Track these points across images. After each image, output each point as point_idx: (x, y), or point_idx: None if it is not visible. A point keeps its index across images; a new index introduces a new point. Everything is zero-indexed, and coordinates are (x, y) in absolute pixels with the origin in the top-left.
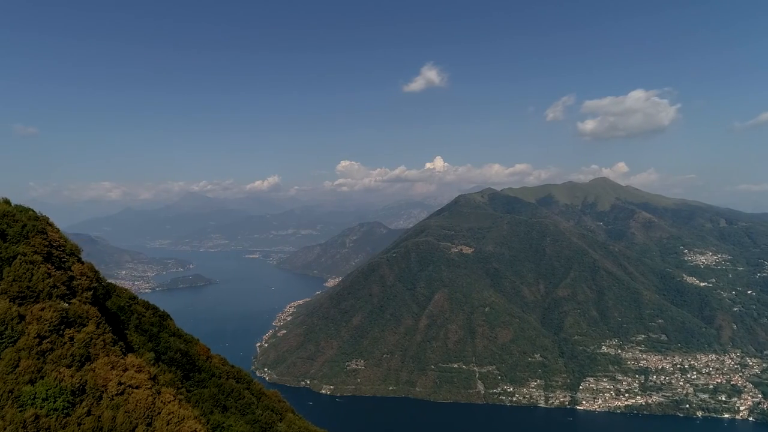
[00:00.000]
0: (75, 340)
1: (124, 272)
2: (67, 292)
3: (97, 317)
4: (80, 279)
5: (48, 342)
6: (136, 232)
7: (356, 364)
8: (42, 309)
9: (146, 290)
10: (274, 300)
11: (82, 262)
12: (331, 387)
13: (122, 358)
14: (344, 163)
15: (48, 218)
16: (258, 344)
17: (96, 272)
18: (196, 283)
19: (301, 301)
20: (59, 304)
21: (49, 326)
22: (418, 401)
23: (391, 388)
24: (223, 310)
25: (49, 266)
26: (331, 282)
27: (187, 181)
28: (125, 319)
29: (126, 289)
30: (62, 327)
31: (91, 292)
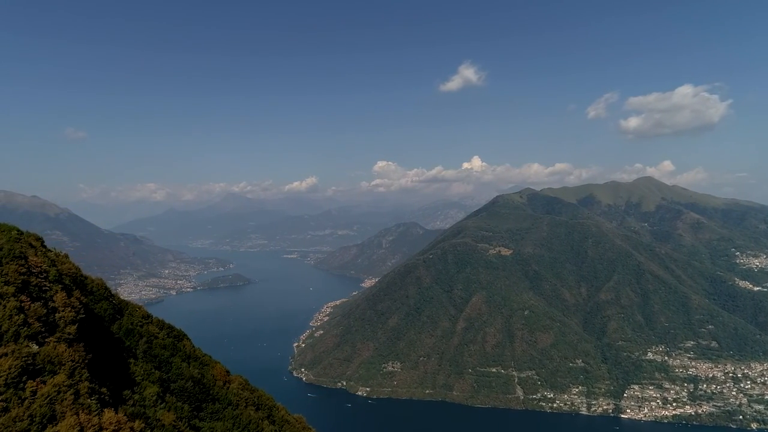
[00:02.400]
0: (37, 396)
1: (167, 271)
2: (43, 329)
3: (74, 362)
4: (63, 311)
5: (1, 401)
6: (179, 232)
7: (393, 367)
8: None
9: (188, 289)
10: (311, 300)
11: (80, 285)
12: (368, 389)
13: (98, 414)
14: (381, 164)
15: (37, 236)
16: (295, 344)
17: (107, 289)
18: (235, 283)
19: (338, 302)
20: (26, 347)
21: (5, 379)
22: (455, 405)
23: (427, 391)
24: (262, 309)
25: (23, 298)
26: (368, 282)
27: (228, 183)
28: (132, 344)
29: (140, 307)
30: (24, 379)
31: (76, 326)
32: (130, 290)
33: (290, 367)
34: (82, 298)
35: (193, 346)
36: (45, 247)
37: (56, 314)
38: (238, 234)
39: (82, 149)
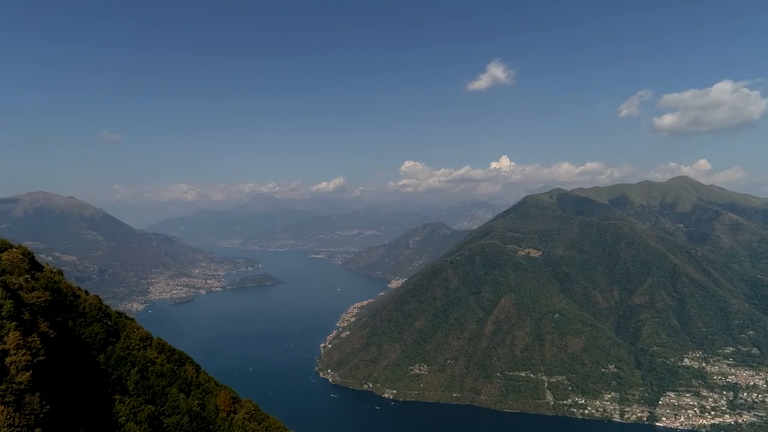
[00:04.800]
0: None
1: (197, 270)
2: None
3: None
4: (16, 354)
5: None
6: (209, 232)
7: (419, 369)
8: None
9: (217, 288)
10: (338, 300)
11: (67, 309)
12: (394, 391)
13: None
14: (408, 164)
15: (26, 251)
16: (322, 345)
17: (100, 310)
18: (264, 283)
19: (364, 302)
20: None
21: None
22: (483, 410)
23: (455, 394)
24: (289, 309)
25: None
26: (395, 283)
27: (257, 183)
28: (123, 374)
29: (139, 328)
30: None
31: (30, 372)
32: (161, 289)
33: (317, 368)
34: (50, 332)
35: (197, 371)
36: (36, 263)
37: (6, 359)
38: (267, 234)
39: (116, 151)
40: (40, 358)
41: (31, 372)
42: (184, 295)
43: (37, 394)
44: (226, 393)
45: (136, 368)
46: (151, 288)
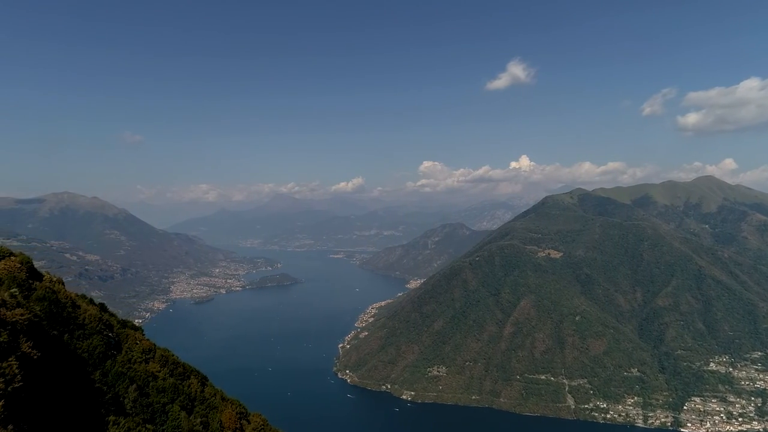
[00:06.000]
0: None
1: (217, 270)
2: None
3: None
4: None
5: None
6: (230, 232)
7: (438, 371)
8: None
9: (237, 288)
10: (356, 300)
11: (64, 321)
12: (412, 393)
13: None
14: (426, 164)
15: (26, 258)
16: (340, 345)
17: (101, 321)
18: (283, 282)
19: (383, 303)
20: None
21: None
22: (502, 413)
23: (474, 397)
24: (308, 309)
25: None
26: (413, 283)
27: (276, 183)
28: (122, 391)
29: (141, 339)
30: None
31: (2, 403)
32: (182, 288)
33: (335, 369)
34: (33, 353)
35: (202, 384)
36: (36, 272)
37: None
38: (286, 234)
39: (138, 152)
40: (16, 385)
41: (2, 402)
42: (204, 295)
43: (10, 426)
44: (232, 408)
45: (134, 385)
46: (172, 287)
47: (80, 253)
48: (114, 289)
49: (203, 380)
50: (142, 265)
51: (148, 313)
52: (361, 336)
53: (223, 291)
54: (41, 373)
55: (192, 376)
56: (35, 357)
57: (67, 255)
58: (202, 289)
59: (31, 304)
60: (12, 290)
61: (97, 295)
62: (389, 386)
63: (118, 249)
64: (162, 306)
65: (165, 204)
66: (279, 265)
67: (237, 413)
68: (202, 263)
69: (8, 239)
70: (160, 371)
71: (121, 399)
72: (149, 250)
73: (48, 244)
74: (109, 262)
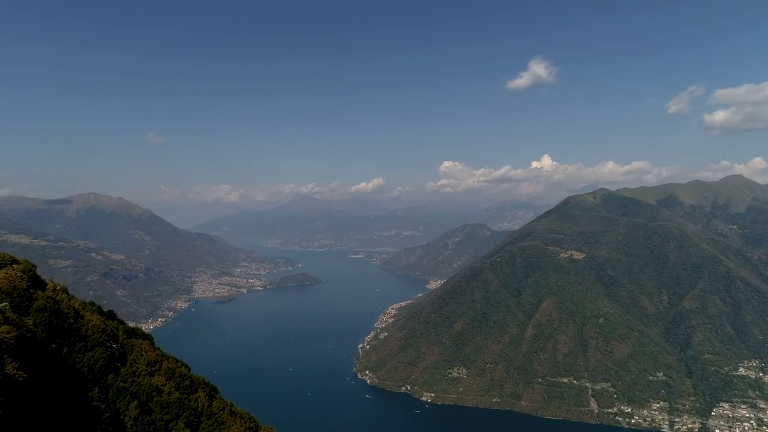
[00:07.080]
0: None
1: (239, 270)
2: None
3: None
4: None
5: None
6: (251, 232)
7: (458, 373)
8: None
9: (258, 288)
10: (376, 301)
11: (65, 334)
12: (432, 394)
13: None
14: (447, 164)
15: (30, 265)
16: (360, 345)
17: (104, 332)
18: (303, 282)
19: (402, 303)
20: None
21: None
22: (523, 416)
23: (494, 399)
24: (328, 309)
25: None
26: (433, 284)
27: (297, 184)
28: (122, 408)
29: (148, 350)
30: None
31: None
32: (204, 288)
33: (355, 369)
34: (19, 374)
35: (210, 398)
36: (39, 280)
37: None
38: (307, 234)
39: (162, 153)
40: None
41: None
42: (226, 294)
43: None
44: (241, 423)
45: (135, 402)
46: (194, 286)
47: (105, 253)
48: (138, 288)
49: (212, 393)
50: (166, 264)
51: (171, 312)
52: (380, 336)
53: (244, 290)
54: (27, 395)
55: (200, 390)
56: (20, 378)
57: (93, 254)
58: (224, 288)
59: (30, 315)
60: (2, 304)
61: (121, 294)
62: (409, 387)
63: (142, 249)
64: (185, 305)
65: (188, 204)
66: (299, 265)
67: (246, 428)
68: (223, 263)
69: (36, 239)
70: (165, 385)
71: (122, 417)
72: (172, 250)
73: (74, 244)
74: (134, 261)
